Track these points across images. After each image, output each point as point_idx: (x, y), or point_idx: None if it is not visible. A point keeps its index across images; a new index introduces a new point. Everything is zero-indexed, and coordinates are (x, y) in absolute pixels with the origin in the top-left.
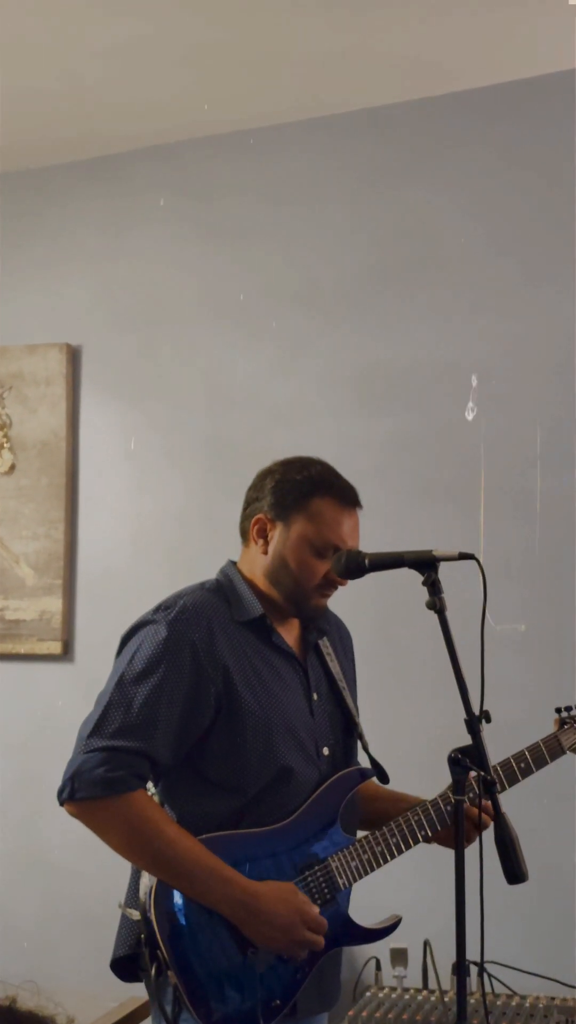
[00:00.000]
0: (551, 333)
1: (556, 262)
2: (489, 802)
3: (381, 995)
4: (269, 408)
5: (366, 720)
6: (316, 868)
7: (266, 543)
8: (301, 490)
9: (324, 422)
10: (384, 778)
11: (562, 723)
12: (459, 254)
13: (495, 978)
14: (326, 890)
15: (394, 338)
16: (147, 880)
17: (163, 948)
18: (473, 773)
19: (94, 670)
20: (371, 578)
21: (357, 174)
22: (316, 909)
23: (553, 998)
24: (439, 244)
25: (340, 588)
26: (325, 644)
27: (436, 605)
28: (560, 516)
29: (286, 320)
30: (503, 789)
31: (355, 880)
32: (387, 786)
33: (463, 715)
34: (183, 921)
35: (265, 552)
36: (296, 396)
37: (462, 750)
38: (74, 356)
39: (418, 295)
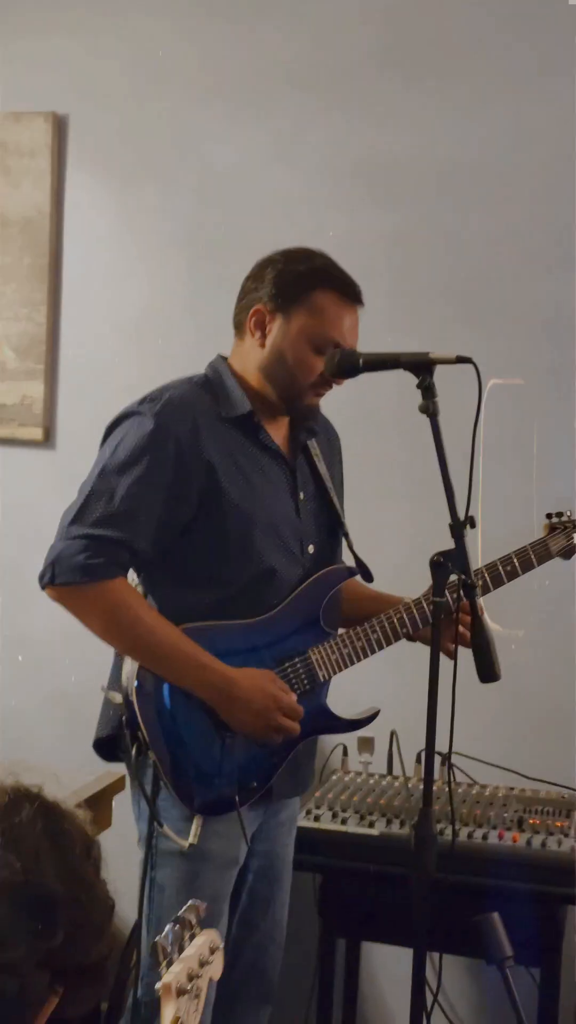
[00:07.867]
0: (561, 127)
1: (571, 52)
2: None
3: (347, 779)
4: (263, 197)
5: (353, 522)
6: (296, 660)
7: (263, 336)
8: (304, 282)
9: (321, 214)
10: (368, 576)
11: (552, 528)
12: (469, 40)
13: (458, 768)
14: (305, 680)
15: (399, 126)
16: (129, 665)
17: (143, 729)
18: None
19: (75, 458)
20: (362, 380)
21: None
22: (293, 696)
23: (512, 788)
24: (448, 28)
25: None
26: (313, 445)
27: (429, 409)
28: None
29: (284, 103)
30: (487, 591)
31: (335, 673)
32: (371, 585)
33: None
34: (163, 704)
35: (262, 345)
36: (292, 185)
37: (445, 554)
38: (61, 126)
39: (424, 81)
